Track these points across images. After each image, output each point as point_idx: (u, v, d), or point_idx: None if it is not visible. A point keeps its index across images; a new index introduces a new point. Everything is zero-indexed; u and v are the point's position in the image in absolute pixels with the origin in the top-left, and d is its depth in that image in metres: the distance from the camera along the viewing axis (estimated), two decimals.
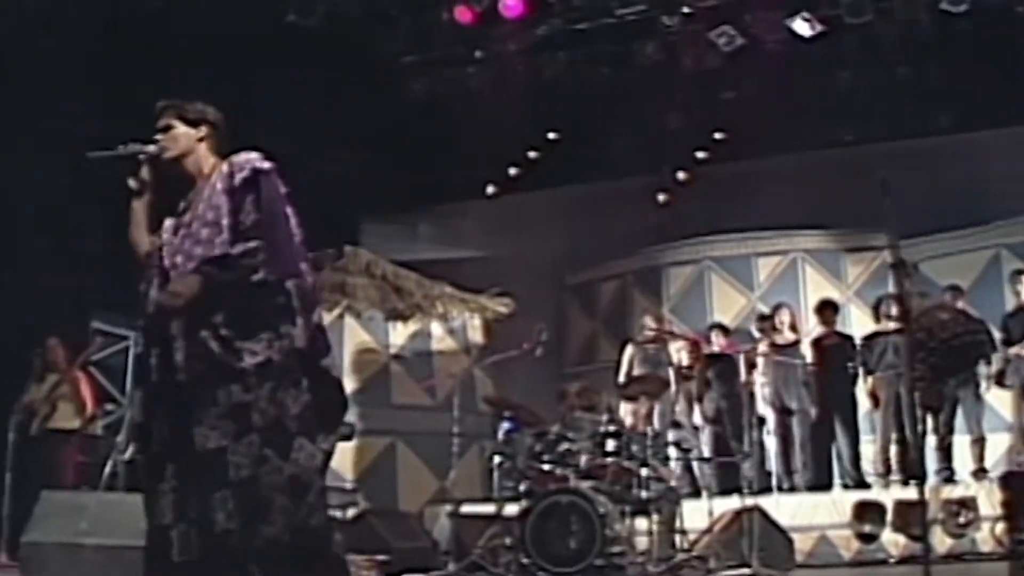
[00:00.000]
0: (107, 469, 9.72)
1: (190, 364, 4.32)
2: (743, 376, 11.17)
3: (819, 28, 12.65)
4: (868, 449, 11.87)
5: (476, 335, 13.96)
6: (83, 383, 11.10)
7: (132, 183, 4.65)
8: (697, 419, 12.33)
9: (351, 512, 10.85)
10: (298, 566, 4.25)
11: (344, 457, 11.95)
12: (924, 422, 11.16)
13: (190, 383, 4.30)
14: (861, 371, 11.73)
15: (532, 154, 15.25)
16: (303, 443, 4.30)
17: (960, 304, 11.39)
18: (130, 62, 11.71)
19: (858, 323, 13.23)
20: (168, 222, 4.64)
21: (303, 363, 4.45)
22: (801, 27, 12.61)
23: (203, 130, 4.70)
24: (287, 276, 4.45)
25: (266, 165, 4.58)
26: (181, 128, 4.68)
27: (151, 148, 4.65)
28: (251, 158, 4.60)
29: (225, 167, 4.57)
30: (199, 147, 4.69)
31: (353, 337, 12.89)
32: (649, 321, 12.62)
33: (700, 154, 15.10)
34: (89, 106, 11.52)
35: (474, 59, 13.86)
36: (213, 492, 4.20)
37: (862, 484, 11.36)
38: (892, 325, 11.30)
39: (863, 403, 11.88)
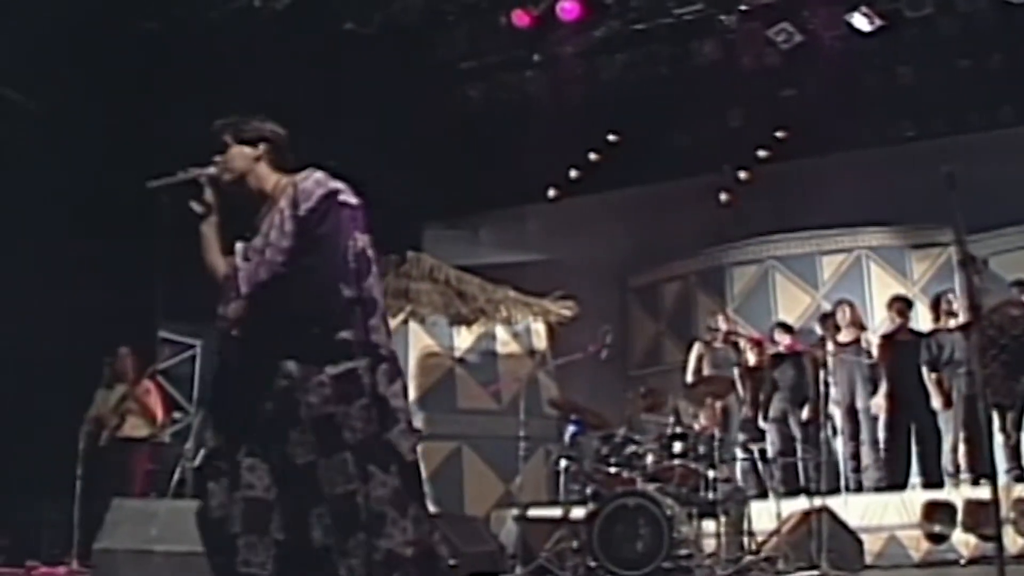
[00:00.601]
0: (175, 476, 9.82)
1: (269, 385, 4.28)
2: (810, 374, 11.08)
3: (878, 23, 12.50)
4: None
5: (540, 339, 13.98)
6: (152, 393, 11.23)
7: (197, 207, 4.63)
8: (762, 420, 12.25)
9: None
10: None
11: None
12: (993, 420, 11.04)
13: (272, 403, 4.28)
14: (925, 369, 11.60)
15: (592, 156, 15.23)
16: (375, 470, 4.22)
17: None
18: (184, 77, 11.85)
19: (924, 320, 13.09)
20: (239, 245, 4.57)
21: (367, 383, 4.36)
22: (860, 22, 12.48)
23: (261, 148, 4.62)
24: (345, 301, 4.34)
25: (332, 187, 4.46)
26: (238, 148, 4.61)
27: (210, 170, 4.60)
28: (318, 180, 4.47)
29: (291, 190, 4.46)
30: (258, 166, 4.61)
31: (417, 342, 12.96)
32: (719, 321, 12.55)
33: (761, 153, 15.01)
34: (151, 118, 11.72)
35: (532, 63, 13.85)
36: (308, 508, 4.20)
37: (939, 484, 11.23)
38: (953, 322, 11.18)
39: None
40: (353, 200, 4.46)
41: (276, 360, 4.27)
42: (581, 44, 13.38)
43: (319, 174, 4.50)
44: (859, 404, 11.71)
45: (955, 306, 11.08)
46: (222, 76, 11.72)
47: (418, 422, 12.09)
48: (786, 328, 12.82)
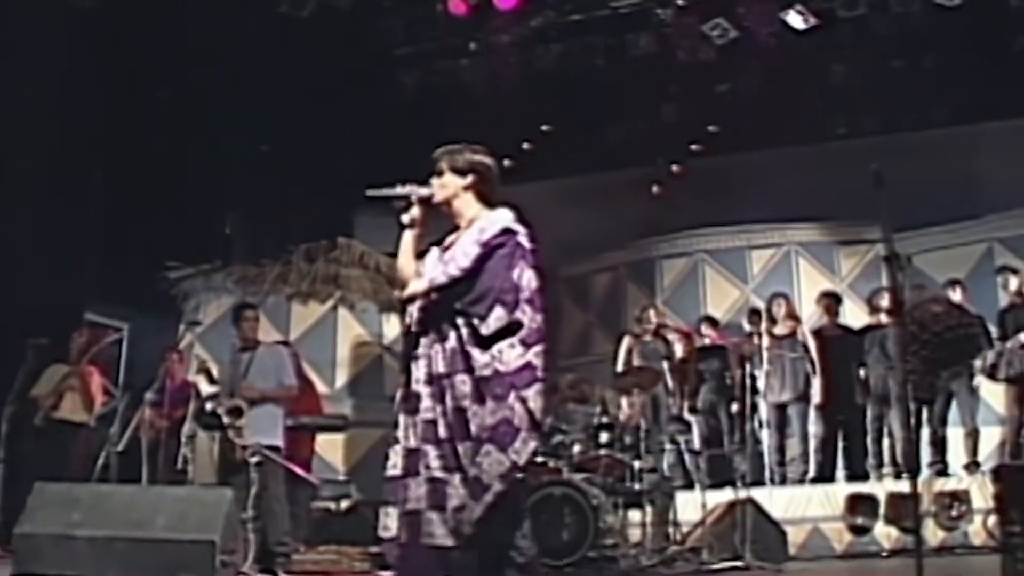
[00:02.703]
0: (100, 461, 9.70)
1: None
2: (735, 368, 11.16)
3: (813, 21, 12.61)
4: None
5: None
6: (95, 376, 11.12)
7: (405, 219, 5.16)
8: (688, 412, 12.32)
9: (344, 504, 10.86)
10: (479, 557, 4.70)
11: (337, 449, 11.97)
12: (918, 415, 11.19)
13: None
14: (853, 364, 11.74)
15: (526, 146, 15.21)
16: (490, 449, 4.64)
17: (959, 298, 11.40)
18: (124, 52, 11.72)
19: (851, 316, 13.23)
20: (435, 251, 5.11)
21: (510, 384, 4.74)
22: (794, 20, 12.58)
23: (470, 178, 5.15)
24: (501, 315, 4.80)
25: (513, 227, 4.99)
26: (450, 176, 5.15)
27: (423, 191, 5.14)
28: (503, 217, 5.02)
29: (484, 222, 5.00)
30: (465, 194, 5.15)
31: (347, 329, 12.91)
32: (645, 313, 12.60)
33: (694, 147, 15.10)
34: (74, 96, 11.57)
35: (468, 51, 13.83)
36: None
37: (864, 477, 11.37)
38: (885, 318, 11.32)
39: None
40: (527, 243, 5.00)
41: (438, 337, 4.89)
42: (517, 33, 13.38)
43: (508, 212, 5.05)
44: (788, 397, 11.79)
45: (886, 303, 11.21)
46: (157, 55, 11.62)
47: (346, 409, 12.06)
48: (712, 322, 12.93)
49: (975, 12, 12.44)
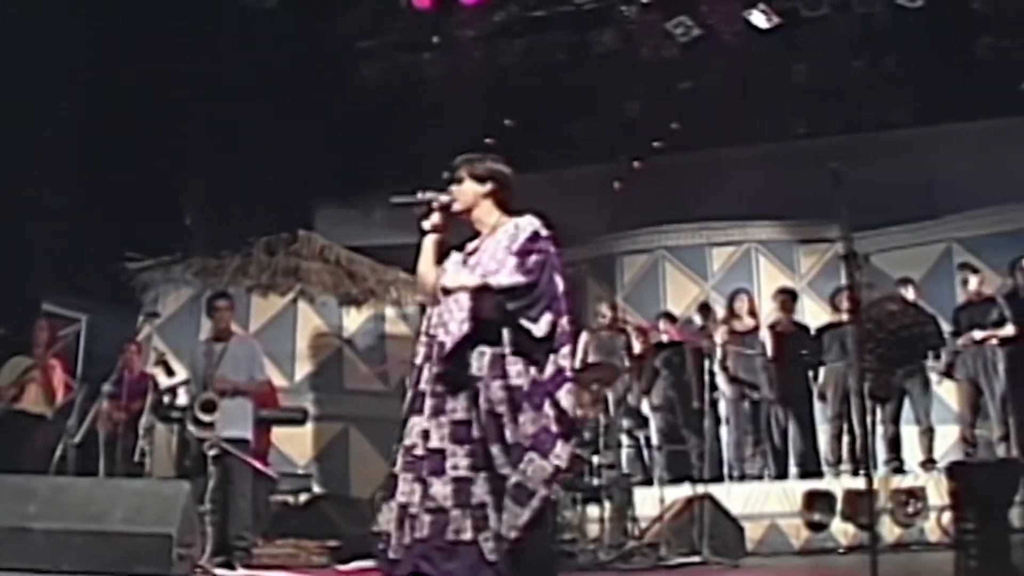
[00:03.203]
0: (57, 453, 9.63)
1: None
2: (693, 364, 11.19)
3: (776, 21, 12.70)
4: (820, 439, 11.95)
5: None
6: (57, 370, 11.03)
7: (426, 225, 5.26)
8: (646, 407, 12.35)
9: (303, 497, 10.83)
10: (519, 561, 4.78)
11: (296, 442, 11.92)
12: (874, 413, 11.29)
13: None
14: (809, 361, 11.81)
15: (488, 141, 15.17)
16: (533, 457, 4.77)
17: (913, 297, 11.49)
18: (83, 44, 11.64)
19: (811, 314, 13.31)
20: (456, 256, 5.25)
21: (544, 392, 4.88)
22: (758, 19, 12.67)
23: (489, 186, 5.27)
24: (550, 320, 4.93)
25: (544, 232, 5.12)
26: (469, 184, 5.27)
27: (444, 198, 5.25)
28: (532, 222, 5.14)
29: (512, 229, 5.14)
30: (484, 202, 5.27)
31: (306, 322, 12.85)
32: (604, 309, 12.64)
33: (656, 143, 15.10)
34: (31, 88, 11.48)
35: (431, 45, 13.81)
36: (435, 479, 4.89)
37: (817, 474, 11.44)
38: (846, 316, 11.39)
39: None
40: (553, 248, 5.13)
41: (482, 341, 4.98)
42: (480, 28, 13.39)
43: (535, 219, 5.17)
44: (747, 393, 11.84)
45: (846, 301, 11.27)
46: (117, 47, 11.55)
47: (305, 402, 12.01)
48: (671, 318, 12.95)
49: (937, 14, 12.56)
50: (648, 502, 10.01)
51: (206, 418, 8.78)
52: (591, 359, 11.89)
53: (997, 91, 13.38)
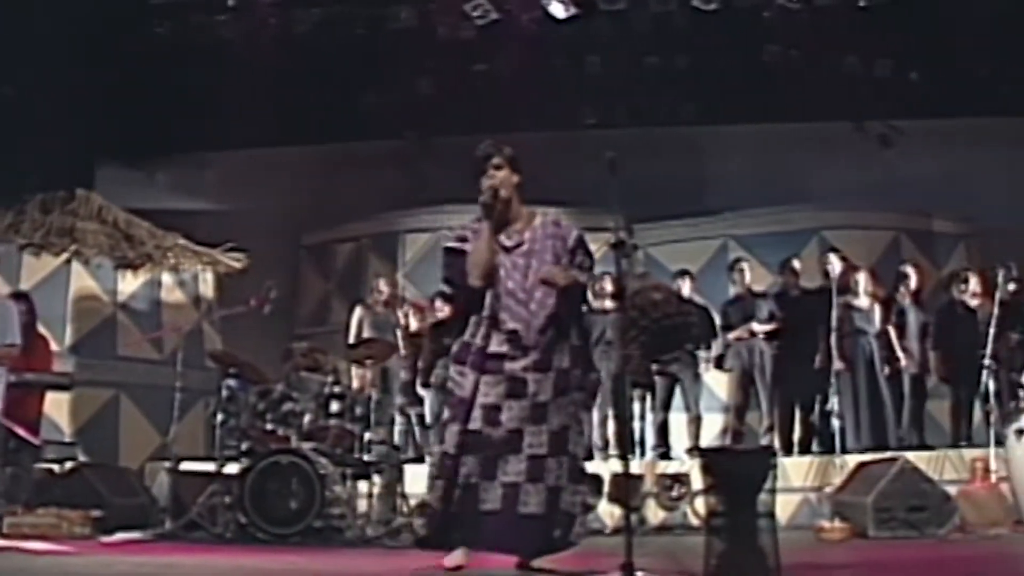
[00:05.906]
0: None
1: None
2: None
3: (573, 11, 12.91)
4: None
5: (207, 289, 13.69)
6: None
7: (485, 209, 5.72)
8: (421, 387, 12.40)
9: (68, 466, 10.55)
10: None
11: (63, 409, 11.60)
12: (643, 400, 11.66)
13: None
14: None
15: (278, 109, 15.03)
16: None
17: (688, 289, 11.86)
18: None
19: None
20: (485, 254, 5.72)
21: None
22: (556, 8, 12.88)
23: (519, 176, 5.78)
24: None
25: (578, 231, 5.77)
26: (508, 172, 5.80)
27: (495, 181, 5.75)
28: (568, 223, 5.83)
29: (551, 228, 5.82)
30: (515, 194, 5.79)
31: (79, 283, 12.45)
32: (382, 285, 12.66)
33: (446, 122, 15.16)
34: None
35: (225, 6, 13.58)
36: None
37: (588, 457, 11.69)
38: (609, 303, 11.64)
39: None
40: None
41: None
42: None
43: (563, 218, 5.85)
44: None
45: (609, 288, 11.53)
46: None
47: (72, 367, 11.65)
48: (447, 297, 13.01)
49: (729, 18, 12.96)
50: (418, 479, 10.08)
51: None
52: (365, 334, 11.93)
53: (780, 97, 13.93)
